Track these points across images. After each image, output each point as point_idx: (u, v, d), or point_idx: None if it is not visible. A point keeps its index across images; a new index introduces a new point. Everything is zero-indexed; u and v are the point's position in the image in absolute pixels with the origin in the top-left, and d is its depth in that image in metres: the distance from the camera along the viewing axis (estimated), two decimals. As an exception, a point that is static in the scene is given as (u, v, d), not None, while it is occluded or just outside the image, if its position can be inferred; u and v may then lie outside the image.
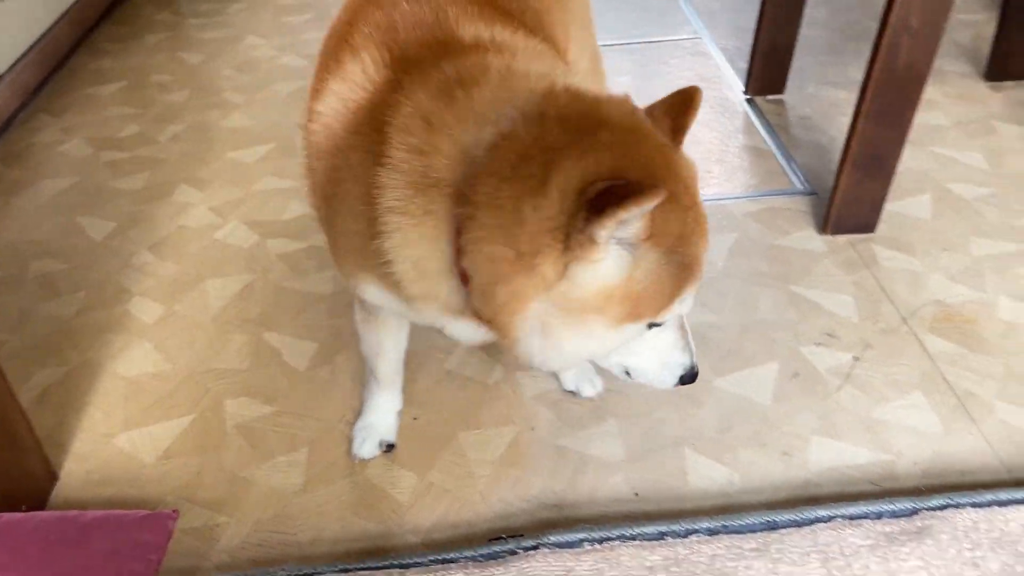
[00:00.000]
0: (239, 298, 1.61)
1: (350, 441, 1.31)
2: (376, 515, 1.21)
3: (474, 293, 0.86)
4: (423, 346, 1.48)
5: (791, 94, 2.25)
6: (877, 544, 1.05)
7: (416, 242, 0.88)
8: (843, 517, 1.09)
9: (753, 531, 1.09)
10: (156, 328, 1.55)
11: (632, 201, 0.73)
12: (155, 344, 1.52)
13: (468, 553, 1.08)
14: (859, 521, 1.09)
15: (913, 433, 1.29)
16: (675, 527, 1.09)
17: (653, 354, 0.95)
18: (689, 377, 0.96)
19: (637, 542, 1.07)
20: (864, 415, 1.33)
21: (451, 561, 1.07)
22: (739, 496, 1.22)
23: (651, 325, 0.88)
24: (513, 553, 1.06)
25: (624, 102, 0.88)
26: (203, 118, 2.25)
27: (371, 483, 1.26)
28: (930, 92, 2.21)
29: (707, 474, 1.25)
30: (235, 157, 2.07)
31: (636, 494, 1.23)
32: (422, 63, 0.94)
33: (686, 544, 1.06)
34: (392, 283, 0.95)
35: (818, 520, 1.09)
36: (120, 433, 1.35)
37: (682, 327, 0.96)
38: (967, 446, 1.27)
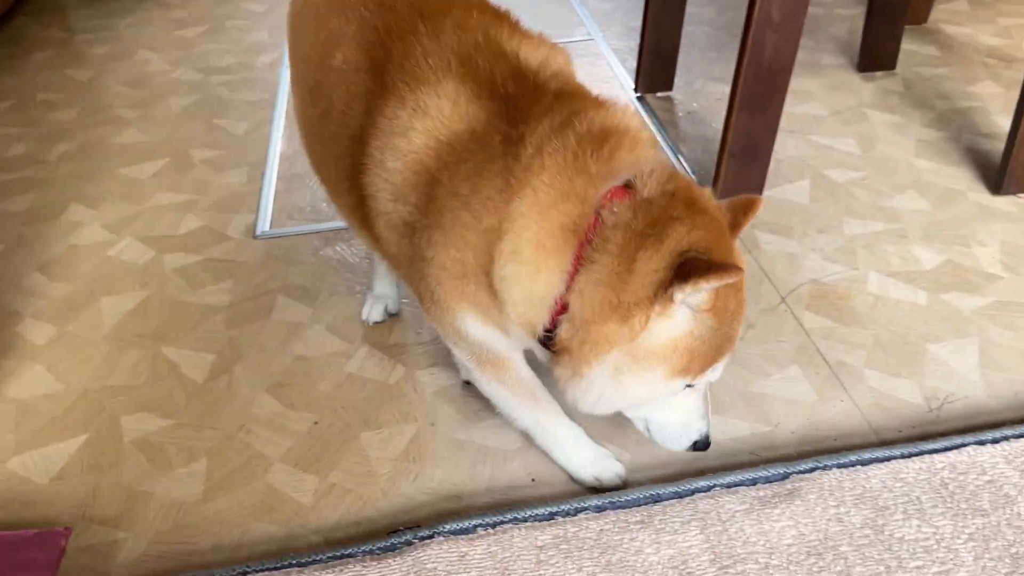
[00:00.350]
0: (134, 314, 1.60)
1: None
2: (278, 518, 1.23)
3: (567, 324, 0.97)
4: (322, 351, 1.50)
5: (679, 90, 2.34)
6: (752, 508, 1.12)
7: (541, 275, 0.97)
8: (721, 486, 1.16)
9: (638, 505, 1.14)
10: (48, 349, 1.53)
11: (714, 276, 0.89)
12: (47, 365, 1.49)
13: (366, 547, 1.10)
14: (735, 488, 1.15)
15: (790, 404, 1.37)
16: (565, 507, 1.14)
17: (678, 414, 1.09)
18: (703, 444, 1.11)
19: (528, 523, 1.11)
20: (745, 390, 1.40)
21: (349, 556, 1.09)
22: (630, 474, 1.27)
23: (687, 386, 1.02)
24: (409, 544, 1.09)
25: (711, 195, 1.02)
26: (93, 135, 2.21)
27: (272, 488, 1.27)
28: (808, 84, 2.33)
29: (599, 455, 1.30)
30: (128, 173, 2.04)
31: (533, 479, 1.27)
32: (533, 101, 0.99)
33: (575, 522, 1.11)
34: (490, 310, 1.02)
35: (698, 490, 1.15)
36: (11, 457, 1.33)
37: (705, 397, 1.10)
38: (839, 412, 1.36)
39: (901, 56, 2.40)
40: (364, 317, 1.55)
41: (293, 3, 1.35)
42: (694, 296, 0.93)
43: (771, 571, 1.05)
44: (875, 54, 2.36)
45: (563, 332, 0.98)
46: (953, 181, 1.91)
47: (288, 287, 1.65)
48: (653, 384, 0.99)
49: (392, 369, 1.47)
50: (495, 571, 1.05)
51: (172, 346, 1.52)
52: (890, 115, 2.18)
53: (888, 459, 1.18)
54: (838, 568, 1.05)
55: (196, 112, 2.31)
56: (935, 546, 1.07)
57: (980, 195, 1.86)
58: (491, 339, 1.10)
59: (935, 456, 1.18)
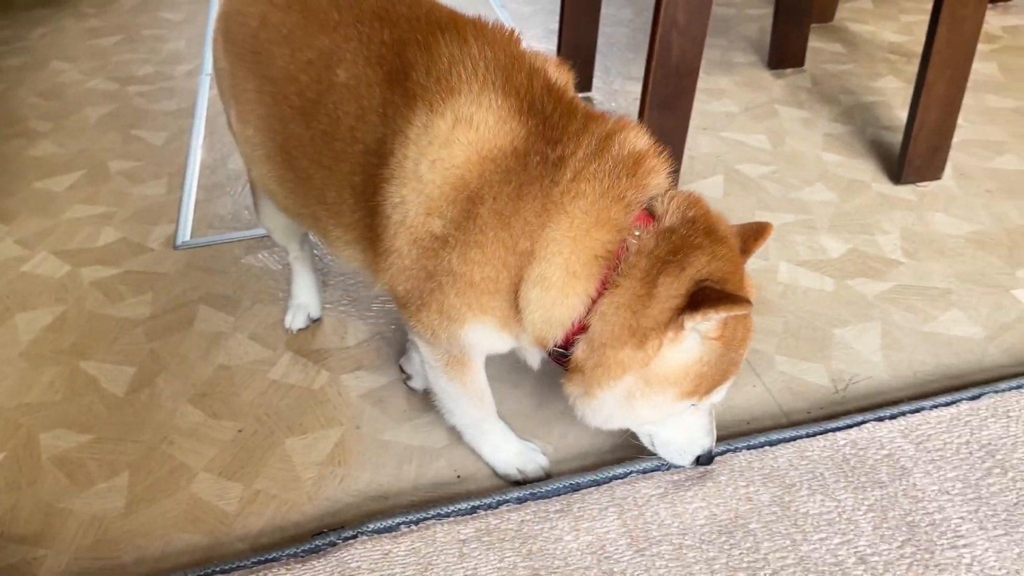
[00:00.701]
0: (51, 330, 1.57)
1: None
2: (203, 528, 1.22)
3: (584, 345, 1.00)
4: (245, 360, 1.50)
5: (598, 91, 2.39)
6: (666, 492, 1.16)
7: (567, 300, 0.99)
8: (637, 472, 1.20)
9: (558, 494, 1.17)
10: (-40, 369, 1.49)
11: (723, 307, 0.93)
12: (-41, 385, 1.46)
13: (290, 551, 1.11)
14: (651, 474, 1.19)
15: (705, 391, 1.42)
16: (487, 500, 1.17)
17: (683, 431, 1.12)
18: (706, 458, 1.15)
19: (451, 519, 1.13)
20: (662, 380, 1.45)
21: (273, 560, 1.10)
22: (554, 466, 1.30)
23: (692, 404, 1.06)
24: (333, 545, 1.10)
25: (726, 221, 1.05)
26: (6, 148, 2.15)
27: (196, 498, 1.27)
28: (721, 82, 2.41)
29: (522, 449, 1.33)
30: (42, 187, 2.00)
31: (458, 476, 1.30)
32: (567, 120, 0.99)
33: (497, 514, 1.14)
34: (509, 321, 1.03)
35: (615, 477, 1.19)
36: (-77, 480, 1.30)
37: (710, 414, 1.13)
38: (751, 397, 1.41)
39: (809, 53, 2.50)
40: (287, 325, 1.56)
41: (239, 25, 1.25)
42: (703, 324, 0.97)
43: (685, 551, 1.09)
44: (784, 52, 2.45)
45: (580, 352, 1.01)
46: (858, 173, 2.00)
47: (210, 297, 1.65)
48: (662, 406, 1.04)
49: (316, 375, 1.48)
50: (418, 567, 1.07)
51: (91, 360, 1.50)
52: (799, 111, 2.27)
53: (794, 439, 1.24)
54: (747, 544, 1.10)
55: (113, 123, 2.27)
56: (837, 518, 1.13)
57: (883, 185, 1.96)
58: (492, 345, 1.12)
59: (838, 434, 1.24)
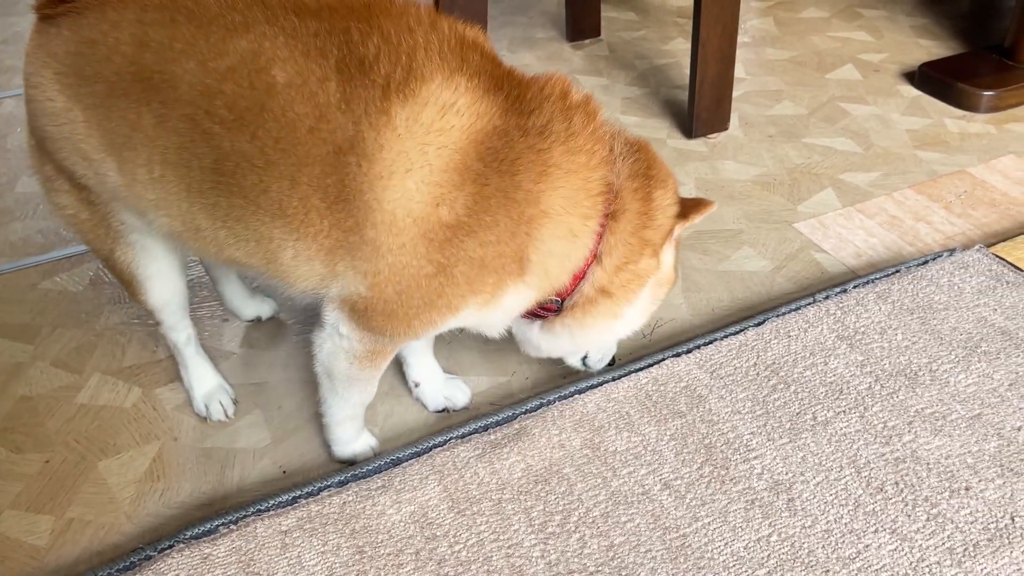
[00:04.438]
0: None
1: None
2: (12, 568, 1.16)
3: (599, 273, 1.11)
4: (48, 388, 1.43)
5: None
6: (484, 452, 1.20)
7: (578, 242, 1.07)
8: (456, 437, 1.23)
9: (379, 471, 1.19)
10: None
11: (703, 211, 1.16)
12: None
13: (103, 572, 1.07)
14: (469, 437, 1.23)
15: (521, 353, 1.47)
16: (308, 488, 1.16)
17: (605, 347, 1.31)
18: (612, 360, 1.36)
19: (271, 512, 1.12)
20: (482, 347, 1.49)
21: (85, 586, 1.06)
22: (382, 445, 1.31)
23: None
24: (149, 558, 1.07)
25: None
26: None
27: (3, 537, 1.20)
28: (525, 58, 2.47)
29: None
30: None
31: (284, 471, 1.29)
32: (523, 88, 1.05)
33: (318, 500, 1.14)
34: (502, 295, 1.08)
35: (435, 446, 1.22)
36: None
37: None
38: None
39: (604, 23, 2.60)
40: (215, 417, 1.38)
41: (102, 60, 1.06)
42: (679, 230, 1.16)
43: (504, 504, 1.13)
44: (581, 24, 2.54)
45: (602, 277, 1.11)
46: (655, 131, 2.11)
47: (3, 328, 1.55)
48: (652, 307, 1.20)
49: (128, 392, 1.42)
50: (240, 565, 1.06)
51: None
52: (598, 78, 2.36)
53: (601, 384, 1.30)
54: (562, 489, 1.15)
55: None
56: (643, 451, 1.20)
57: (677, 141, 2.07)
58: (461, 324, 1.15)
59: (640, 374, 1.32)
